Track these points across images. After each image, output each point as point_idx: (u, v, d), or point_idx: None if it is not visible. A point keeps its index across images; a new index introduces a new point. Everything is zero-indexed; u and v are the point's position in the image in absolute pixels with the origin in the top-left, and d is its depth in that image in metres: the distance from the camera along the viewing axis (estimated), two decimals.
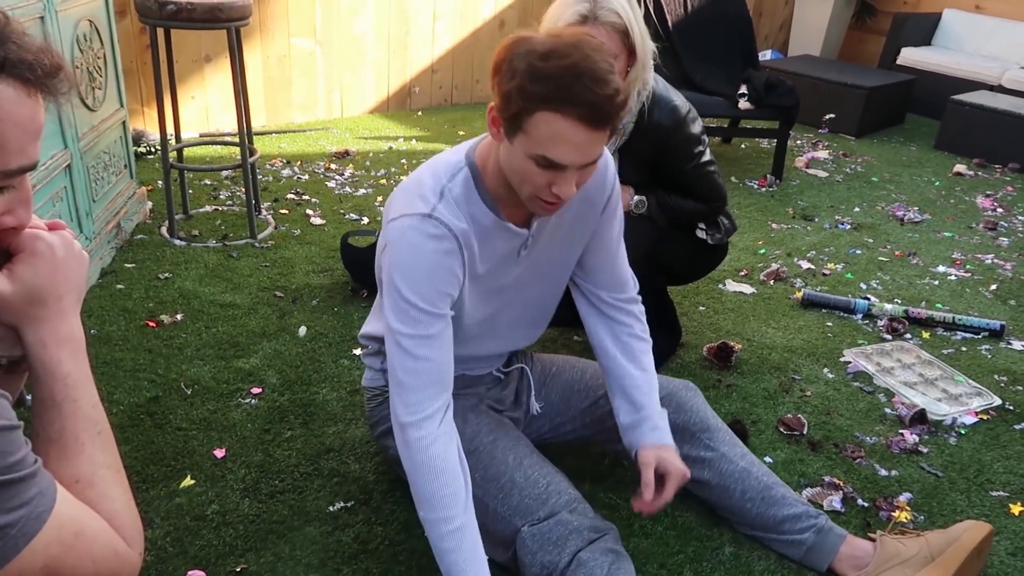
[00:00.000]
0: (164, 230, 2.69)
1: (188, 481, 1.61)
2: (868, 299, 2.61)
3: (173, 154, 2.74)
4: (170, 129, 2.69)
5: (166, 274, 2.43)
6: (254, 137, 3.72)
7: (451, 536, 1.16)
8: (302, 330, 2.18)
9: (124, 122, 2.65)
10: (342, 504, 1.58)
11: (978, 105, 4.38)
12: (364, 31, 4.13)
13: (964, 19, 5.53)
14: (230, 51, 2.45)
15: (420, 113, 4.45)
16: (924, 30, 5.55)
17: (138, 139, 3.42)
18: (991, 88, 4.92)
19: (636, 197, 1.94)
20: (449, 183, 1.24)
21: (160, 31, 2.49)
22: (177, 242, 2.63)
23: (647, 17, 3.91)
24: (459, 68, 4.63)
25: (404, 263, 1.20)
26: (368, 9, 4.10)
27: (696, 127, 1.91)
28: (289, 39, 3.90)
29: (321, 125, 4.06)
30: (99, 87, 2.43)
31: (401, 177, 3.41)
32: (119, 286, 2.33)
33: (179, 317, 2.20)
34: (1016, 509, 1.70)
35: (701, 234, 2.01)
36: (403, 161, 3.63)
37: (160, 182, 3.00)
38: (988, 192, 3.86)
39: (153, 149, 3.40)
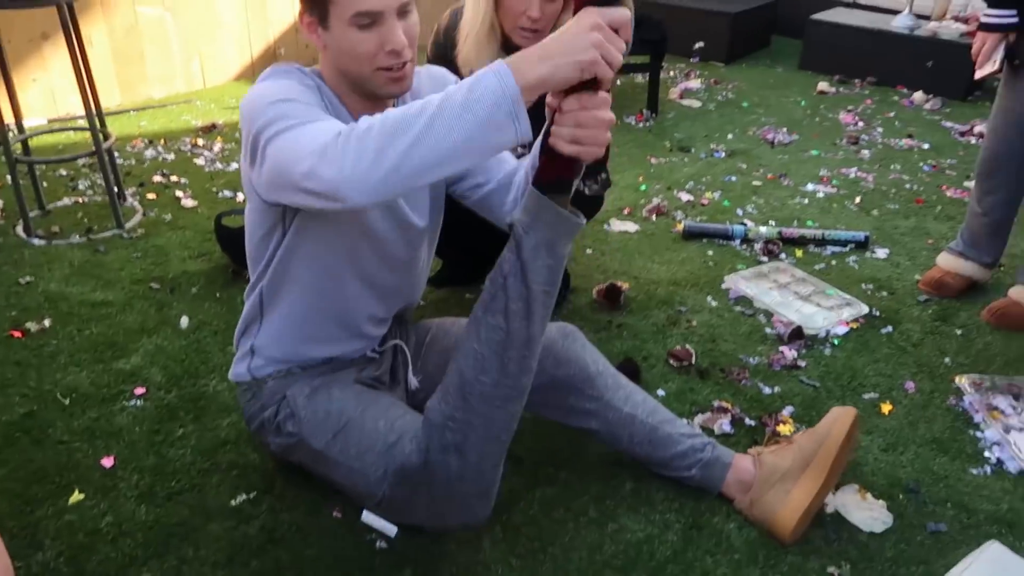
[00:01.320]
0: (20, 230, 2.51)
1: (77, 496, 1.54)
2: (744, 224, 2.72)
3: (18, 146, 2.54)
4: (11, 118, 2.48)
5: (27, 278, 2.27)
6: (108, 118, 3.50)
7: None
8: (184, 321, 2.09)
9: None
10: (244, 496, 1.55)
11: (835, 23, 4.56)
12: None
13: None
14: (64, 30, 2.27)
15: None
16: None
17: None
18: (847, 5, 5.12)
19: None
20: (301, 78, 1.25)
21: None
22: (36, 241, 2.46)
23: None
24: None
25: (269, 91, 1.16)
26: None
27: None
28: (135, 7, 3.64)
29: (183, 98, 3.84)
30: None
31: None
32: None
33: (47, 323, 2.07)
34: (886, 408, 1.84)
35: (580, 186, 2.02)
36: None
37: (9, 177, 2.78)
38: (849, 107, 4.05)
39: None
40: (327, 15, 1.17)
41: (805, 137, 3.63)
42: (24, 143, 2.60)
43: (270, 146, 1.11)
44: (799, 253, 2.55)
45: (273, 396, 1.44)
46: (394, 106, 1.28)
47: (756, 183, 3.11)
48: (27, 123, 3.34)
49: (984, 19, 2.06)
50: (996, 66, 2.07)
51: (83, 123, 3.24)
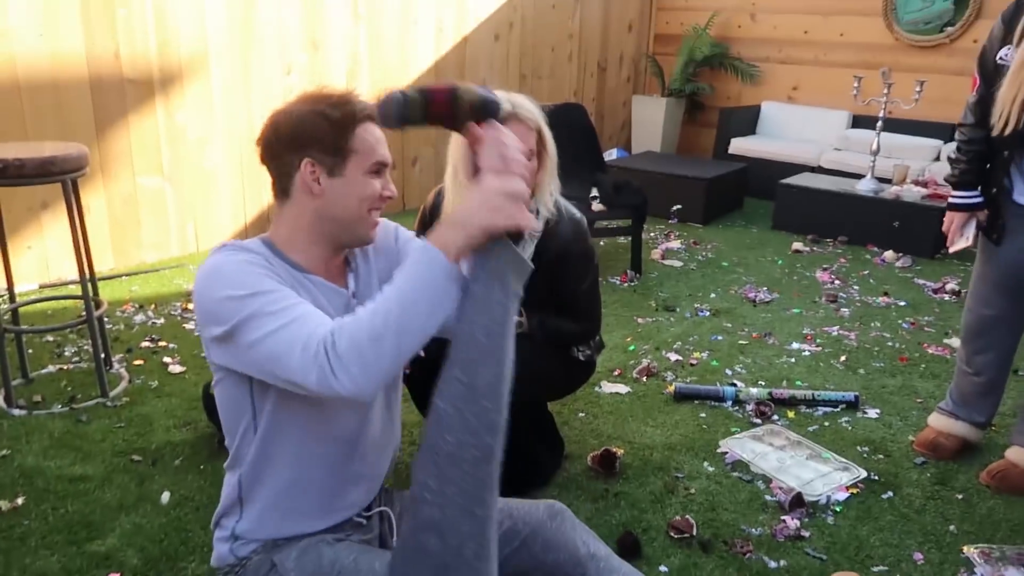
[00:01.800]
0: (1, 400, 2.45)
1: None
2: (735, 385, 2.73)
3: (7, 315, 2.54)
4: (3, 285, 2.49)
5: (3, 451, 2.20)
6: (100, 284, 3.53)
7: None
8: (165, 496, 2.01)
9: None
10: None
11: (803, 187, 4.81)
12: (215, 163, 4.07)
13: (780, 109, 6.13)
14: (67, 205, 2.33)
15: None
16: (748, 121, 6.10)
17: None
18: (812, 169, 5.43)
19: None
20: (247, 255, 1.24)
21: None
22: (16, 412, 2.40)
23: None
24: None
25: (224, 278, 1.17)
26: (217, 140, 4.05)
27: (590, 244, 1.98)
28: (135, 178, 3.77)
29: (175, 262, 3.91)
30: None
31: None
32: None
33: (20, 501, 1.98)
34: None
35: (574, 352, 2.04)
36: None
37: None
38: (825, 266, 4.19)
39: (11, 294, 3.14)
40: (344, 164, 1.25)
41: (785, 295, 3.72)
42: (14, 312, 2.59)
43: (255, 351, 1.16)
44: (791, 414, 2.55)
45: (260, 569, 1.37)
46: (346, 262, 1.37)
47: (742, 342, 3.15)
48: (18, 288, 3.37)
49: (952, 200, 2.19)
50: (969, 241, 2.17)
51: (75, 288, 3.27)
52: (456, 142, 1.80)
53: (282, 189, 1.29)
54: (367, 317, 1.10)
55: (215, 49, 3.93)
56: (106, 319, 3.14)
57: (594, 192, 3.86)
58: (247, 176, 4.24)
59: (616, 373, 2.82)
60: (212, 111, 4.00)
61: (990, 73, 2.04)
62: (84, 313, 2.50)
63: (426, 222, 2.08)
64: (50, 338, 2.97)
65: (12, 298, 2.58)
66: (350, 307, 1.34)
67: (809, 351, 3.07)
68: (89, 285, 2.48)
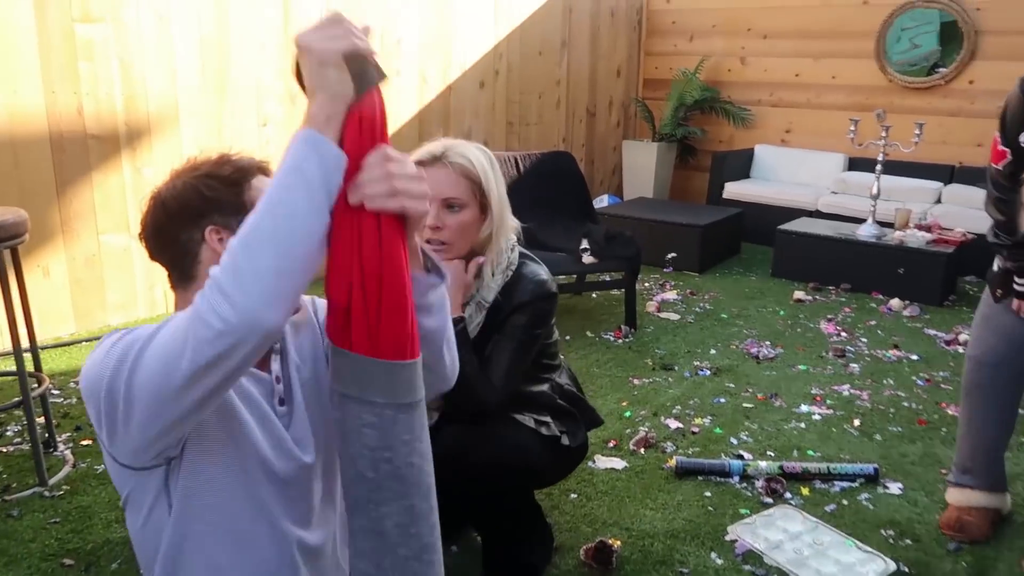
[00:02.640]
0: None
1: None
2: (741, 457, 2.49)
3: None
4: None
5: None
6: (57, 352, 3.30)
7: None
8: None
9: None
10: None
11: (802, 233, 4.63)
12: None
13: (774, 152, 5.99)
14: (1, 276, 2.11)
15: None
16: (741, 165, 5.95)
17: None
18: (810, 214, 5.26)
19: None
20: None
21: None
22: None
23: None
24: None
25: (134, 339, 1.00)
26: None
27: (550, 308, 1.73)
28: (99, 236, 3.57)
29: (142, 325, 3.67)
30: None
31: None
32: None
33: None
34: None
35: (565, 440, 1.81)
36: None
37: None
38: (829, 316, 3.98)
39: None
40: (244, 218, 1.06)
41: (790, 350, 3.51)
42: None
43: (135, 376, 0.97)
44: (805, 491, 2.31)
45: None
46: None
47: (747, 405, 2.92)
48: None
49: (1018, 287, 1.95)
50: None
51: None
52: None
53: (183, 275, 1.13)
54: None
55: (186, 102, 3.76)
56: (55, 392, 2.90)
57: (584, 244, 3.67)
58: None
59: (611, 445, 2.58)
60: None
61: (1018, 149, 1.87)
62: (40, 390, 2.28)
63: None
64: (16, 411, 2.72)
65: None
66: (275, 393, 1.16)
67: (820, 414, 2.84)
68: (31, 361, 2.26)
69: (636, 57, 6.70)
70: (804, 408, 2.89)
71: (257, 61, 4.01)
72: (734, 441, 2.63)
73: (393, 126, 4.74)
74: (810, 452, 2.55)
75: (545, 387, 1.80)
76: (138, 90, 3.58)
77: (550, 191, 4.04)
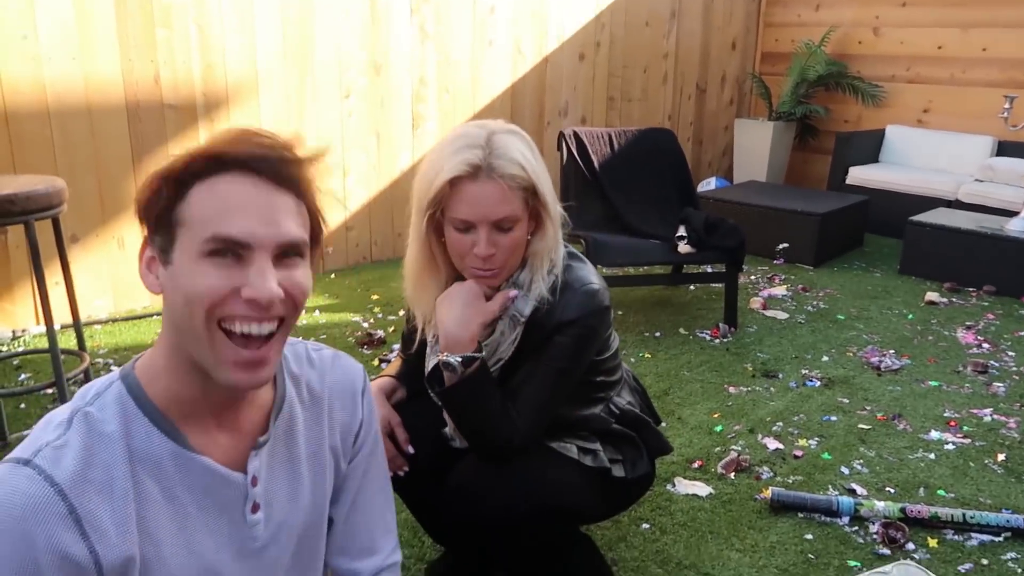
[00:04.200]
0: None
1: None
2: (853, 492, 2.09)
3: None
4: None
5: None
6: (127, 324, 3.24)
7: None
8: None
9: None
10: None
11: (939, 225, 4.05)
12: None
13: (908, 134, 5.35)
14: (30, 248, 1.98)
15: (333, 276, 4.00)
16: (870, 148, 5.35)
17: None
18: (948, 204, 4.64)
19: (471, 355, 1.32)
20: (87, 406, 0.83)
21: None
22: None
23: (571, 159, 3.58)
24: (377, 223, 4.24)
25: None
26: None
27: (601, 325, 1.40)
28: None
29: None
30: None
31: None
32: None
33: None
34: None
35: (619, 471, 1.49)
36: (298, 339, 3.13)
37: None
38: (968, 323, 3.44)
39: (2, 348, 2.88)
40: (171, 244, 0.82)
41: (918, 362, 3.02)
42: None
43: None
44: (933, 543, 1.89)
45: None
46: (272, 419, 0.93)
47: (863, 426, 2.49)
48: (36, 330, 3.10)
49: None
50: None
51: (67, 336, 2.98)
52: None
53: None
54: None
55: (265, 72, 3.62)
56: (111, 362, 2.82)
57: (681, 231, 3.28)
58: (314, 182, 3.89)
59: (696, 465, 2.23)
60: None
61: None
62: (79, 370, 2.18)
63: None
64: (50, 391, 2.65)
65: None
66: (244, 506, 0.91)
67: (954, 444, 2.38)
68: (78, 333, 2.14)
69: (754, 28, 6.15)
70: (935, 435, 2.43)
71: (340, 30, 3.82)
72: (845, 471, 2.23)
73: (484, 99, 4.47)
74: (940, 492, 2.12)
75: (597, 409, 1.49)
76: (216, 58, 3.46)
77: (646, 171, 3.67)
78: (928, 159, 5.16)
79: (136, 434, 0.84)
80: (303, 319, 3.39)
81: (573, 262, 1.41)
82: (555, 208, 1.34)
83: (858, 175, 5.09)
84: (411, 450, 1.46)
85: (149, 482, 0.84)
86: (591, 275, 1.41)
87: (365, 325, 3.31)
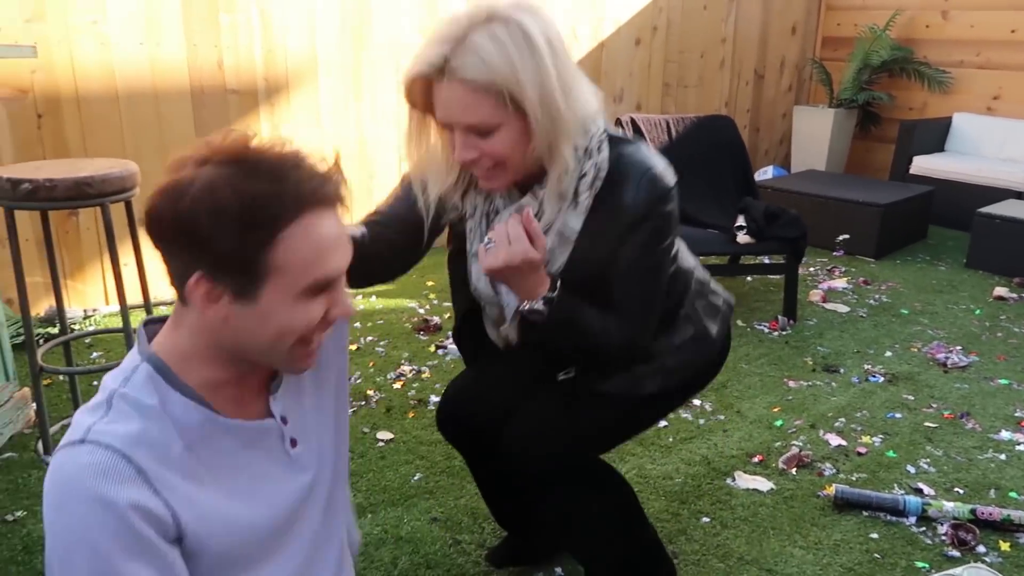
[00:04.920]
0: (40, 446, 2.20)
1: None
2: (920, 492, 2.04)
3: (54, 352, 2.30)
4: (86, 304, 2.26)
5: (19, 512, 1.92)
6: None
7: None
8: None
9: None
10: None
11: (1009, 217, 3.91)
12: None
13: (977, 122, 5.15)
14: (106, 230, 2.03)
15: None
16: (935, 136, 5.17)
17: (52, 319, 3.01)
18: (1018, 195, 4.47)
19: (549, 294, 1.24)
20: (121, 388, 0.86)
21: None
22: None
23: None
24: None
25: (56, 549, 0.79)
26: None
27: (673, 209, 1.28)
28: None
29: None
30: None
31: (350, 348, 2.94)
32: None
33: None
34: None
35: (652, 386, 1.40)
36: (356, 324, 3.17)
37: (61, 376, 2.57)
38: None
39: (68, 330, 2.97)
40: (258, 287, 0.83)
41: (987, 359, 2.92)
42: (66, 346, 2.35)
43: None
44: (1005, 546, 1.83)
45: None
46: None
47: (929, 424, 2.43)
48: (107, 308, 3.19)
49: None
50: None
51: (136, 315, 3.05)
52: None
53: (178, 288, 0.87)
54: None
55: (324, 57, 3.65)
56: None
57: (740, 221, 3.23)
58: (355, 194, 3.92)
59: (756, 460, 2.20)
60: (319, 123, 3.72)
61: None
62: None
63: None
64: None
65: (64, 329, 2.33)
66: (284, 438, 0.97)
67: None
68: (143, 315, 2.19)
69: (816, 12, 5.98)
70: (1005, 435, 2.36)
71: (396, 12, 3.83)
72: (911, 470, 2.17)
73: None
74: (1013, 495, 2.05)
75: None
76: (277, 43, 3.49)
77: (705, 160, 3.61)
78: (998, 148, 4.97)
79: (173, 405, 0.87)
80: (361, 303, 3.43)
81: (622, 148, 1.26)
82: (553, 103, 1.14)
83: (922, 164, 4.93)
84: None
85: (197, 446, 0.88)
86: (646, 156, 1.26)
87: (421, 311, 3.33)
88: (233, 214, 0.79)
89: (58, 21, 2.94)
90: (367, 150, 3.92)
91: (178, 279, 0.85)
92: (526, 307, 1.24)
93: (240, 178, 0.80)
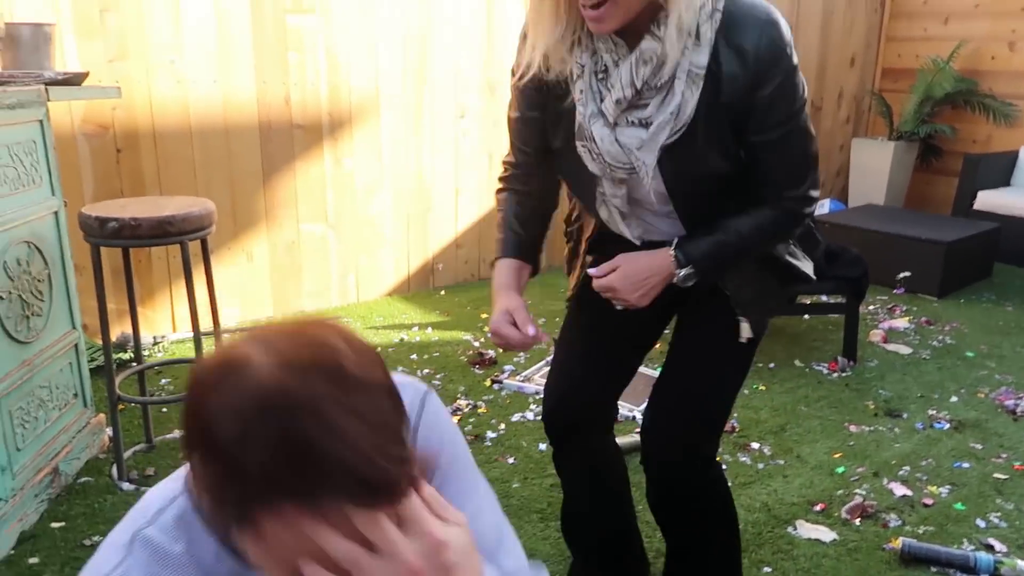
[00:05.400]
0: (114, 470, 2.29)
1: None
2: (991, 548, 1.98)
3: (130, 381, 2.39)
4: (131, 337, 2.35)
5: (96, 537, 1.99)
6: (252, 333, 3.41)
7: None
8: None
9: (76, 345, 2.32)
10: None
11: None
12: (380, 211, 3.87)
13: None
14: (184, 266, 2.12)
15: (443, 292, 4.10)
16: (1001, 170, 5.05)
17: (124, 344, 3.12)
18: None
19: (682, 270, 1.31)
20: (147, 528, 0.77)
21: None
22: (125, 486, 2.22)
23: None
24: (486, 241, 4.31)
25: None
26: (384, 190, 3.86)
27: (796, 58, 1.22)
28: (299, 225, 3.65)
29: (332, 313, 3.74)
30: (37, 313, 2.11)
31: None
32: (32, 560, 1.90)
33: None
34: None
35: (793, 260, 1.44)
36: (412, 356, 3.22)
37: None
38: None
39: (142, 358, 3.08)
40: (253, 529, 0.69)
41: None
42: (141, 375, 2.44)
43: None
44: None
45: None
46: None
47: (999, 475, 2.36)
48: (175, 335, 3.32)
49: None
50: None
51: (231, 333, 3.15)
52: None
53: None
54: None
55: (386, 93, 3.75)
56: None
57: None
58: (412, 226, 4.01)
59: (818, 508, 2.17)
60: (380, 158, 3.81)
61: None
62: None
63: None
64: None
65: (139, 358, 2.43)
66: None
67: None
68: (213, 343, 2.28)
69: (875, 43, 5.91)
70: None
71: (456, 49, 3.91)
72: (981, 524, 2.11)
73: None
74: None
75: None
76: (342, 80, 3.60)
77: None
78: None
79: (203, 552, 0.77)
80: (417, 335, 3.48)
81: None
82: None
83: (987, 200, 4.81)
84: (532, 331, 1.35)
85: None
86: (763, 2, 1.21)
87: (476, 344, 3.36)
88: (239, 470, 0.63)
89: (139, 61, 3.09)
90: (425, 183, 3.99)
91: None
92: (678, 279, 1.32)
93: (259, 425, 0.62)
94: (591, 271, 1.36)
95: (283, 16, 3.37)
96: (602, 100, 1.23)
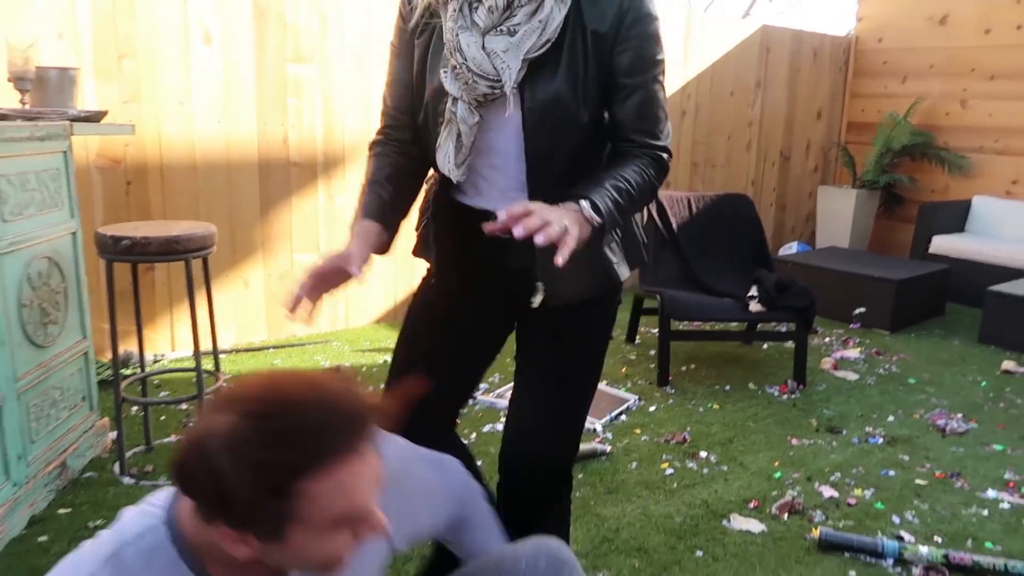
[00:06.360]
0: (116, 466, 2.52)
1: None
2: (900, 539, 2.22)
3: (134, 385, 2.64)
4: (141, 350, 2.60)
5: (100, 520, 2.22)
6: (244, 355, 3.66)
7: None
8: None
9: (87, 353, 2.57)
10: None
11: (1019, 296, 4.08)
12: None
13: (996, 205, 5.36)
14: (187, 281, 2.39)
15: None
16: (955, 217, 5.38)
17: (127, 361, 3.37)
18: None
19: (584, 203, 1.21)
20: (128, 546, 0.87)
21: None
22: (126, 480, 2.45)
23: (650, 220, 3.84)
24: None
25: None
26: None
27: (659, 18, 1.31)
28: (293, 255, 3.93)
29: (321, 338, 3.99)
30: (54, 322, 2.37)
31: None
32: (41, 538, 2.12)
33: None
34: None
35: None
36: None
37: (135, 408, 2.91)
38: None
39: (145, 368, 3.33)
40: (283, 530, 0.83)
41: (986, 427, 3.08)
42: (143, 382, 2.69)
43: None
44: None
45: None
46: None
47: (920, 482, 2.60)
48: (174, 354, 3.57)
49: None
50: None
51: (204, 361, 3.40)
52: None
53: (205, 521, 0.86)
54: None
55: None
56: None
57: (753, 291, 3.48)
58: (399, 258, 4.29)
59: (752, 505, 2.40)
60: None
61: None
62: (215, 387, 2.56)
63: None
64: (184, 406, 3.06)
65: (143, 368, 2.68)
66: None
67: (1010, 503, 2.46)
68: (211, 359, 2.53)
69: (840, 99, 6.31)
70: (991, 493, 2.52)
71: None
72: (896, 519, 2.35)
73: None
74: (988, 544, 2.22)
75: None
76: (336, 122, 3.92)
77: (723, 235, 3.90)
78: (1017, 230, 5.15)
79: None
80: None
81: None
82: None
83: (941, 244, 5.13)
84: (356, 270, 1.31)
85: None
86: None
87: None
88: (251, 480, 0.78)
89: (150, 102, 3.40)
90: (411, 220, 4.27)
91: (204, 517, 0.85)
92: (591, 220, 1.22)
93: (259, 437, 0.79)
94: (499, 214, 1.15)
95: (284, 65, 3.71)
96: (475, 11, 1.26)
